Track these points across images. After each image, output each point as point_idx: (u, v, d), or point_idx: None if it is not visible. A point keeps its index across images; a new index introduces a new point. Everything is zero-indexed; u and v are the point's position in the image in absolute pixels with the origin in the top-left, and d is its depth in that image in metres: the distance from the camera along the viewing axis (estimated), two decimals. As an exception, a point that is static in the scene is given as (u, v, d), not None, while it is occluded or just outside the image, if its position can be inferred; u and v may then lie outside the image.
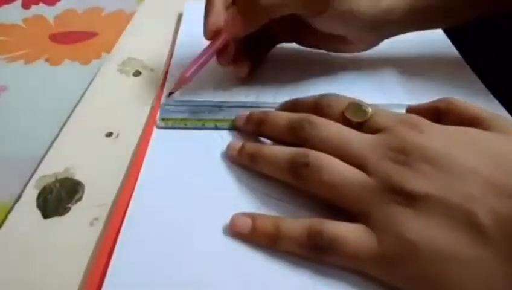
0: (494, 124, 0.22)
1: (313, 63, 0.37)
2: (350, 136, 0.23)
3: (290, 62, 0.37)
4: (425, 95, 0.28)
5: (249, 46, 0.32)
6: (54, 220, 0.24)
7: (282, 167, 0.23)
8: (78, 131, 0.31)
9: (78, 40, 0.44)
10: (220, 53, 0.31)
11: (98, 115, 0.33)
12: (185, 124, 0.30)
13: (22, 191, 0.26)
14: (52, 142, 0.30)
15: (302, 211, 0.24)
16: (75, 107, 0.34)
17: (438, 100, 0.25)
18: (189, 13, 0.46)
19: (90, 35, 0.45)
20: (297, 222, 0.21)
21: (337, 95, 0.26)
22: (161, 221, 0.23)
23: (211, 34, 0.30)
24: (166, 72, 0.37)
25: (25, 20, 0.47)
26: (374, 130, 0.23)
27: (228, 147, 0.27)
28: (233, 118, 0.30)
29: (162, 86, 0.35)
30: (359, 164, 0.22)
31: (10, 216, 0.25)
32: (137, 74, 0.38)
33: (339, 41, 0.32)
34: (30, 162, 0.29)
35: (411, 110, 0.26)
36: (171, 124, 0.30)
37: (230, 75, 0.34)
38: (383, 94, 0.33)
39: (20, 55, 0.41)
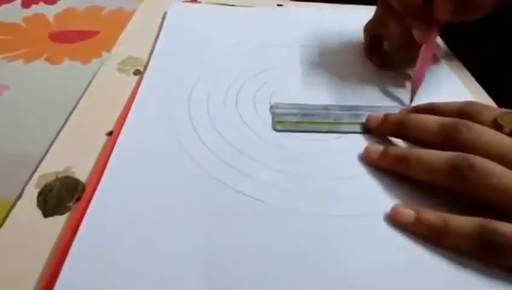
0: None
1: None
2: (510, 144, 0.23)
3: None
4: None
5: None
6: (54, 219, 0.24)
7: (441, 169, 0.23)
8: (79, 130, 0.31)
9: (78, 39, 0.44)
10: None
11: (98, 113, 0.33)
12: (298, 127, 0.30)
13: (23, 190, 0.26)
14: (53, 141, 0.30)
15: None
16: (75, 106, 0.34)
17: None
18: (173, 14, 0.46)
19: (90, 34, 0.45)
20: (466, 218, 0.21)
21: (485, 104, 0.26)
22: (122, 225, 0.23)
23: (422, 30, 0.31)
24: (144, 70, 0.38)
25: (25, 19, 0.47)
26: None
27: (366, 150, 0.27)
28: (343, 121, 0.31)
29: (137, 87, 0.35)
30: None
31: (11, 215, 0.25)
32: (137, 72, 0.38)
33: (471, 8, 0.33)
34: (30, 161, 0.29)
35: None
36: (287, 126, 0.30)
37: (333, 77, 0.36)
38: None
39: (20, 54, 0.40)
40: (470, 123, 0.24)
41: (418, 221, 0.22)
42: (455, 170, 0.22)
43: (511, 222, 0.21)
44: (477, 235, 0.20)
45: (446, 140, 0.24)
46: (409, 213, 0.22)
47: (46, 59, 0.40)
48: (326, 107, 0.32)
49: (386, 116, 0.28)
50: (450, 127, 0.24)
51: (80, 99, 0.34)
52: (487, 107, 0.26)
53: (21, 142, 0.31)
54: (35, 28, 0.45)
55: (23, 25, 0.46)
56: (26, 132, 0.32)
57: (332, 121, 0.31)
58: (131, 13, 0.48)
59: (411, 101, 0.33)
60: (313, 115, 0.31)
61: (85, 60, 0.40)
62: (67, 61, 0.40)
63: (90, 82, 0.36)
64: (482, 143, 0.23)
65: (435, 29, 0.31)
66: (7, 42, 0.42)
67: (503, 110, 0.25)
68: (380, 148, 0.26)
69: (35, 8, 0.48)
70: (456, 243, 0.21)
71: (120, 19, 0.47)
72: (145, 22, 0.46)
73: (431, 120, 0.25)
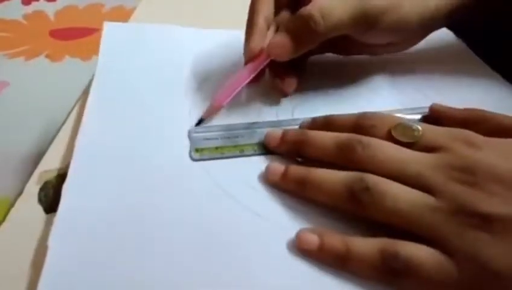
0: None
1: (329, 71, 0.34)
2: (407, 157, 0.22)
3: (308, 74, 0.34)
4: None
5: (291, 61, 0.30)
6: (55, 215, 0.24)
7: (338, 193, 0.22)
8: (80, 126, 0.31)
9: (78, 36, 0.44)
10: (258, 76, 0.29)
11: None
12: (222, 153, 0.26)
13: (24, 186, 0.26)
14: (54, 137, 0.30)
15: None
16: (76, 102, 0.34)
17: (468, 109, 0.25)
18: (110, 35, 0.37)
19: (91, 31, 0.45)
20: (368, 242, 0.20)
21: (380, 114, 0.25)
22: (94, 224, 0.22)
23: (251, 57, 0.28)
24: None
25: (25, 16, 0.47)
26: (429, 149, 0.22)
27: (268, 170, 0.25)
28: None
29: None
30: (422, 186, 0.20)
31: (12, 211, 0.25)
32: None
33: (385, 46, 0.32)
34: (31, 157, 0.29)
35: (436, 112, 0.26)
36: (207, 154, 0.26)
37: (252, 94, 0.31)
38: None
39: (20, 51, 0.40)
40: (365, 139, 0.22)
41: (321, 248, 0.20)
42: (351, 193, 0.21)
43: (415, 241, 0.20)
44: (380, 261, 0.19)
45: (343, 159, 0.23)
46: (312, 239, 0.21)
47: (47, 56, 0.40)
48: (249, 126, 0.28)
49: (284, 133, 0.26)
50: (345, 144, 0.23)
51: (80, 96, 0.34)
52: (381, 118, 0.24)
53: (22, 138, 0.31)
54: (35, 25, 0.45)
55: (24, 22, 0.46)
56: (27, 128, 0.32)
57: (257, 141, 0.27)
58: (132, 10, 0.48)
59: (199, 123, 0.28)
60: (236, 136, 0.27)
61: (85, 57, 0.40)
62: (67, 58, 0.40)
63: (91, 79, 0.36)
64: (378, 160, 0.22)
65: (262, 61, 0.28)
66: (8, 39, 0.42)
67: (397, 120, 0.24)
68: (281, 168, 0.24)
69: (35, 5, 0.48)
70: (359, 270, 0.20)
71: (120, 16, 0.47)
72: (146, 19, 0.46)
73: (327, 137, 0.24)
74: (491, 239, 0.18)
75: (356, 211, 0.21)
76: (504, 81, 0.34)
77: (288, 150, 0.26)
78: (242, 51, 0.30)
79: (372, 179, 0.21)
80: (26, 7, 0.48)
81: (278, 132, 0.26)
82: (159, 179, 0.24)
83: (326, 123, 0.26)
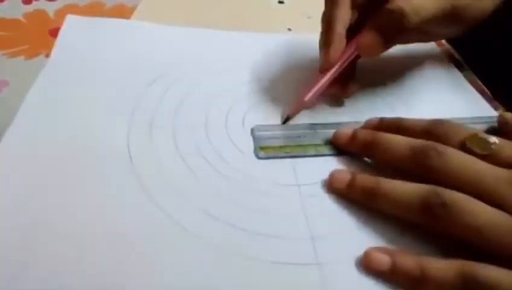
0: None
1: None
2: (484, 170, 0.21)
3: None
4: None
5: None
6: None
7: (412, 206, 0.21)
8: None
9: (79, 35, 0.43)
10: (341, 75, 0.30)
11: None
12: (286, 152, 0.27)
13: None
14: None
15: None
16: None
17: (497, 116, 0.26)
18: (70, 28, 0.38)
19: (91, 30, 0.44)
20: (445, 264, 0.20)
21: (454, 122, 0.24)
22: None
23: (332, 64, 0.28)
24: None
25: (25, 15, 0.46)
26: (505, 164, 0.21)
27: (332, 178, 0.24)
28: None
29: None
30: (496, 203, 0.20)
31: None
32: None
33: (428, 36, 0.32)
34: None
35: (503, 124, 0.26)
36: (272, 153, 0.27)
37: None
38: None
39: (20, 50, 0.40)
40: (440, 147, 0.22)
41: (393, 269, 0.20)
42: (426, 207, 0.21)
43: (493, 263, 0.19)
44: (460, 285, 0.19)
45: (415, 165, 0.23)
46: (384, 260, 0.20)
47: (47, 55, 0.40)
48: (312, 127, 0.29)
49: (355, 133, 0.26)
50: (420, 151, 0.22)
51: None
52: (456, 126, 0.24)
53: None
54: (35, 24, 0.45)
55: (24, 21, 0.45)
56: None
57: (319, 142, 0.28)
58: (133, 8, 0.47)
59: (286, 120, 0.30)
60: (298, 136, 0.28)
61: (86, 56, 0.40)
62: (67, 58, 0.40)
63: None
64: (453, 170, 0.21)
65: (346, 59, 0.29)
66: (7, 38, 0.42)
67: (471, 131, 0.23)
68: (347, 176, 0.24)
69: (35, 4, 0.48)
70: None
71: (121, 15, 0.46)
72: (147, 18, 0.46)
73: (400, 142, 0.24)
74: None
75: (432, 226, 0.21)
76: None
77: (358, 150, 0.26)
78: (219, 49, 0.32)
79: (450, 194, 0.20)
80: (26, 6, 0.48)
81: (348, 130, 0.27)
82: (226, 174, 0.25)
83: (395, 125, 0.26)
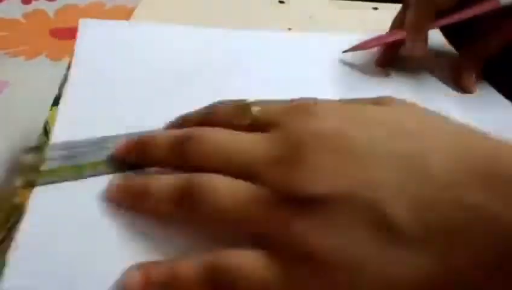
0: (390, 101, 0.20)
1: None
2: (236, 143, 0.19)
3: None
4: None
5: None
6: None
7: (167, 201, 0.19)
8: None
9: (79, 35, 0.43)
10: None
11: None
12: (59, 176, 0.21)
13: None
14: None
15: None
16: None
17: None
18: (85, 32, 0.34)
19: (91, 30, 0.44)
20: (193, 261, 0.17)
21: (224, 101, 0.22)
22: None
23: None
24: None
25: (25, 15, 0.46)
26: (266, 128, 0.19)
27: (107, 187, 0.21)
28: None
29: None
30: (248, 174, 0.18)
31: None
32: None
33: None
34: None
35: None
36: (47, 178, 0.21)
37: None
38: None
39: (20, 50, 0.40)
40: (197, 132, 0.19)
41: (146, 282, 0.17)
42: (179, 198, 0.18)
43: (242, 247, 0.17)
44: (208, 283, 0.17)
45: (174, 158, 0.20)
46: (134, 276, 0.17)
47: (47, 56, 0.40)
48: (105, 139, 0.23)
49: (129, 141, 0.22)
50: (179, 141, 0.20)
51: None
52: (223, 105, 0.21)
53: (21, 139, 0.30)
54: (35, 24, 0.45)
55: (24, 21, 0.45)
56: (27, 128, 0.31)
57: (103, 158, 0.22)
58: (133, 8, 0.47)
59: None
60: (82, 154, 0.22)
61: (86, 57, 0.40)
62: (67, 58, 0.40)
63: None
64: (205, 153, 0.19)
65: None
66: (7, 38, 0.42)
67: (235, 102, 0.21)
68: (117, 181, 0.21)
69: (35, 4, 0.48)
70: None
71: (121, 15, 0.46)
72: (147, 18, 0.46)
73: (165, 135, 0.21)
74: (317, 223, 0.16)
75: (183, 219, 0.19)
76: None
77: (135, 159, 0.22)
78: (227, 49, 0.32)
79: (198, 177, 0.18)
80: (26, 6, 0.48)
81: (124, 138, 0.22)
82: None
83: (182, 121, 0.23)
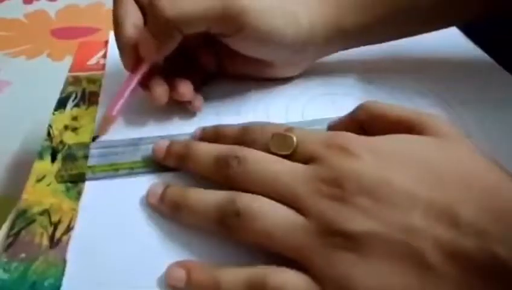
0: (426, 126, 0.21)
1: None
2: (280, 171, 0.20)
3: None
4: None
5: (179, 70, 0.27)
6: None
7: (209, 216, 0.20)
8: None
9: (79, 35, 0.44)
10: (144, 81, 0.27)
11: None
12: (93, 173, 0.23)
13: (25, 184, 0.26)
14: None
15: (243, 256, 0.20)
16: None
17: (357, 109, 0.23)
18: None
19: (92, 30, 0.45)
20: (237, 273, 0.19)
21: (262, 125, 0.23)
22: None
23: (130, 63, 0.26)
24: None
25: (26, 15, 0.47)
26: (306, 160, 0.20)
27: (148, 192, 0.22)
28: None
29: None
30: (292, 202, 0.19)
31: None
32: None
33: (264, 65, 0.29)
34: (33, 157, 0.29)
35: (333, 127, 0.24)
36: (76, 174, 0.22)
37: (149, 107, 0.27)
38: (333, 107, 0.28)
39: (21, 50, 0.41)
40: (242, 153, 0.21)
41: (189, 284, 0.19)
42: (221, 217, 0.20)
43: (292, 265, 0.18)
44: None
45: (218, 175, 0.21)
46: (180, 275, 0.19)
47: (48, 55, 0.40)
48: (136, 142, 0.24)
49: (170, 145, 0.23)
50: (222, 159, 0.21)
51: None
52: (262, 128, 0.22)
53: (23, 138, 0.31)
54: (36, 24, 0.45)
55: (25, 21, 0.46)
56: (29, 128, 0.32)
57: (139, 159, 0.24)
58: (133, 9, 0.48)
59: (94, 140, 0.25)
60: (116, 153, 0.24)
61: (87, 57, 0.40)
62: (68, 58, 0.40)
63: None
64: (251, 176, 0.20)
65: (144, 65, 0.26)
66: (9, 38, 0.42)
67: (276, 130, 0.22)
68: (160, 189, 0.22)
69: (36, 4, 0.48)
70: None
71: (121, 15, 0.47)
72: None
73: (208, 150, 0.22)
74: (357, 258, 0.18)
75: (227, 236, 0.20)
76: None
77: (174, 165, 0.23)
78: None
79: (245, 199, 0.19)
80: (27, 6, 0.48)
81: (165, 142, 0.24)
82: None
83: (216, 134, 0.24)
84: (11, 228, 0.21)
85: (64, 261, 0.19)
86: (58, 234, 0.20)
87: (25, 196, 0.22)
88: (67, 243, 0.20)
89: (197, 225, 0.21)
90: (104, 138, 0.25)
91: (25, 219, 0.21)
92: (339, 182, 0.19)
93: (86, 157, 0.24)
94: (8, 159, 0.30)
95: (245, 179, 0.20)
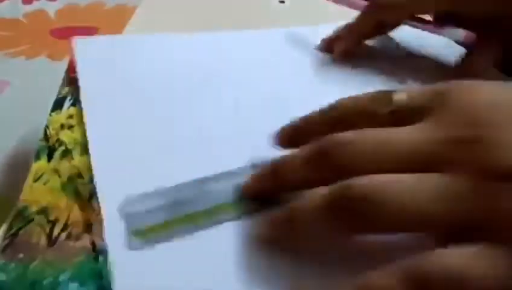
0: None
1: None
2: (395, 136, 0.17)
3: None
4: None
5: None
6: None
7: (320, 215, 0.16)
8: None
9: (79, 35, 0.44)
10: None
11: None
12: (173, 229, 0.18)
13: (23, 185, 0.26)
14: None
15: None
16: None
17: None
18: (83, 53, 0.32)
19: (92, 30, 0.44)
20: (384, 275, 0.14)
21: (344, 99, 0.19)
22: None
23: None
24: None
25: (25, 15, 0.46)
26: (414, 118, 0.17)
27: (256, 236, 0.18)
28: (226, 201, 0.19)
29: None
30: (427, 165, 0.16)
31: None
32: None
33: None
34: (32, 157, 0.28)
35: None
36: (153, 236, 0.17)
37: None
38: None
39: (21, 50, 0.40)
40: (337, 138, 0.17)
41: None
42: (332, 209, 0.16)
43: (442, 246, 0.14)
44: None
45: (319, 171, 0.17)
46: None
47: (47, 55, 0.40)
48: (200, 183, 0.19)
49: (253, 175, 0.19)
50: (315, 152, 0.17)
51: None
52: (348, 103, 0.19)
53: (22, 138, 0.31)
54: (36, 24, 0.45)
55: (24, 21, 0.45)
56: (28, 128, 0.31)
57: (209, 206, 0.19)
58: (133, 9, 0.47)
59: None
60: (183, 202, 0.18)
61: (86, 57, 0.40)
62: (68, 58, 0.40)
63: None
64: (357, 155, 0.17)
65: None
66: (8, 38, 0.42)
67: (368, 95, 0.19)
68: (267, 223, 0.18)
69: (36, 4, 0.48)
70: None
71: (121, 15, 0.47)
72: (148, 18, 0.46)
73: (295, 154, 0.18)
74: None
75: (346, 231, 0.16)
76: None
77: (269, 190, 0.19)
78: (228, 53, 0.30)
79: (363, 179, 0.15)
80: (26, 6, 0.48)
81: (248, 178, 0.19)
82: None
83: (303, 125, 0.20)
84: (9, 229, 0.21)
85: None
86: (55, 232, 0.20)
87: (22, 196, 0.22)
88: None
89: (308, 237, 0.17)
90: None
91: (22, 219, 0.21)
92: (470, 122, 0.16)
93: None
94: (6, 160, 0.29)
95: (354, 162, 0.16)
